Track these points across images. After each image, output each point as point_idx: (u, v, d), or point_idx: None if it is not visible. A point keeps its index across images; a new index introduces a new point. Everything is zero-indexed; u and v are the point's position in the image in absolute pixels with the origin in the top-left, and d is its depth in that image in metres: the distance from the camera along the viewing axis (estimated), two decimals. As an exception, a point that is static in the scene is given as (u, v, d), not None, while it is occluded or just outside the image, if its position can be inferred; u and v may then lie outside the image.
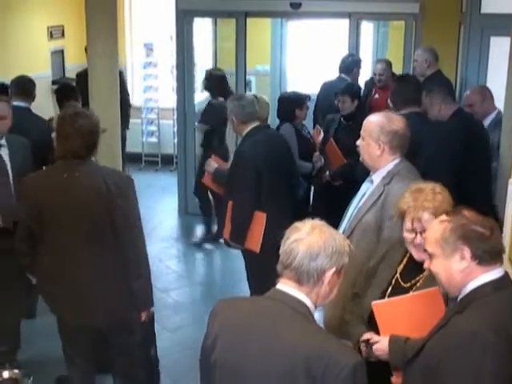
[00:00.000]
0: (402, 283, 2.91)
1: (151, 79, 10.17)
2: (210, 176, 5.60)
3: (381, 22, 9.11)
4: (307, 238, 2.16)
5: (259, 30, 9.45)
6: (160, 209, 8.35)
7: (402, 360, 2.52)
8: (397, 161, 3.48)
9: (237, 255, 5.44)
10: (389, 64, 7.13)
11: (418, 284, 2.86)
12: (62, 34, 9.70)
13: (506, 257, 2.51)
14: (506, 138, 4.94)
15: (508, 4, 6.14)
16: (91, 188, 3.47)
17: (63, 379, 4.26)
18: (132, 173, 7.93)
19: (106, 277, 3.56)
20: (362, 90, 6.74)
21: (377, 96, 7.06)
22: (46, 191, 3.51)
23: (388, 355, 2.73)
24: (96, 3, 5.25)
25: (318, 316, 2.38)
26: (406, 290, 2.88)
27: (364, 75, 7.67)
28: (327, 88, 7.04)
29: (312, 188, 6.12)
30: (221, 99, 7.00)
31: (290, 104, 5.90)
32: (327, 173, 5.82)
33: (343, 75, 7.08)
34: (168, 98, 9.85)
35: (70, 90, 6.27)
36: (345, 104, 5.86)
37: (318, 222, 2.24)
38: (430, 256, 2.35)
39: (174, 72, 8.36)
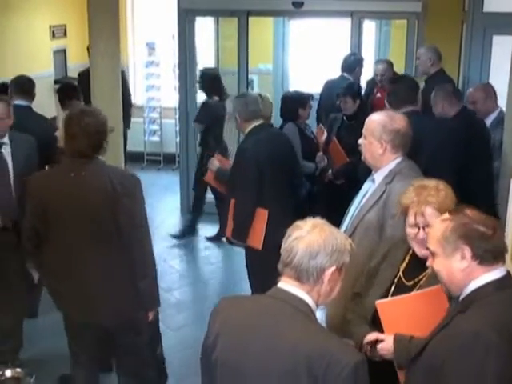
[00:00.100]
0: (405, 281, 2.91)
1: (153, 78, 10.17)
2: (212, 174, 5.61)
3: (383, 21, 9.09)
4: (307, 237, 2.16)
5: (261, 28, 9.44)
6: (162, 208, 8.35)
7: (407, 359, 2.52)
8: (399, 159, 3.48)
9: (239, 254, 5.44)
10: (390, 64, 7.12)
11: (422, 282, 2.86)
12: (64, 34, 9.72)
13: (508, 256, 2.50)
14: (509, 137, 4.94)
15: (510, 3, 6.14)
16: (97, 188, 3.46)
17: (65, 378, 4.28)
18: (134, 172, 7.93)
19: (112, 277, 3.55)
20: (363, 89, 6.74)
21: (379, 95, 7.05)
22: (52, 190, 3.50)
23: (393, 354, 2.73)
24: (98, 2, 5.26)
25: (320, 315, 2.38)
26: (410, 289, 2.88)
27: (366, 74, 7.66)
28: (329, 87, 7.03)
29: (314, 187, 6.12)
30: (216, 98, 7.01)
31: (293, 103, 5.89)
32: (330, 171, 5.82)
33: (345, 74, 7.07)
34: (170, 97, 9.87)
35: (72, 90, 6.27)
36: (347, 104, 5.84)
37: (319, 221, 2.24)
38: (432, 254, 2.35)
39: (176, 71, 8.37)
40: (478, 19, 6.78)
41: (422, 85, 5.81)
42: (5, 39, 8.28)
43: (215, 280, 6.65)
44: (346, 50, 7.52)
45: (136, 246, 3.52)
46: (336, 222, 2.77)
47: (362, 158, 3.61)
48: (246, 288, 5.14)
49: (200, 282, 6.54)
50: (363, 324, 2.96)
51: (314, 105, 6.62)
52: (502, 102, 5.25)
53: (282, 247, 2.21)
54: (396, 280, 2.95)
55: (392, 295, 2.91)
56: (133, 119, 9.24)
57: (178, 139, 9.07)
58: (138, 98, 10.31)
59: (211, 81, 7.17)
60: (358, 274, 3.12)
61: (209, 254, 7.12)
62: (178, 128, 9.02)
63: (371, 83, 7.46)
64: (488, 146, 5.08)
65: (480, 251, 2.23)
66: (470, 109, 5.35)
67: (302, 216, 2.31)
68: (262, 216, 4.62)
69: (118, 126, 5.39)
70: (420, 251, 2.82)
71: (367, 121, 3.57)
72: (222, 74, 7.48)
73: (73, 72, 9.37)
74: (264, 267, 3.93)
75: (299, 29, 10.18)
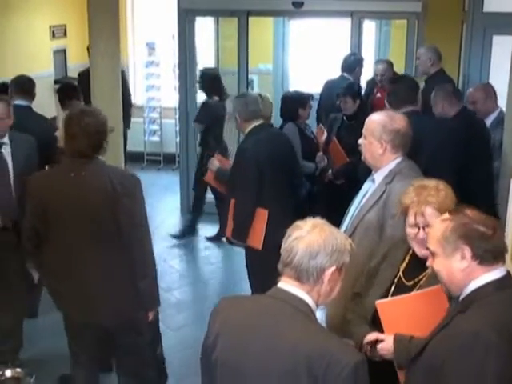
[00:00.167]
0: (405, 281, 2.91)
1: (153, 78, 10.17)
2: (212, 174, 5.61)
3: (383, 21, 9.09)
4: (307, 237, 2.16)
5: (261, 28, 9.44)
6: (162, 208, 8.35)
7: (407, 359, 2.52)
8: (399, 159, 3.48)
9: (239, 254, 5.44)
10: (390, 64, 7.12)
11: (422, 282, 2.86)
12: (64, 34, 9.72)
13: (508, 256, 2.50)
14: (509, 137, 4.94)
15: (510, 3, 6.14)
16: (97, 188, 3.46)
17: (65, 378, 4.28)
18: (134, 172, 7.93)
19: (113, 277, 3.55)
20: (363, 89, 6.73)
21: (379, 95, 7.05)
22: (52, 190, 3.50)
23: (393, 354, 2.73)
24: (98, 2, 5.26)
25: (320, 315, 2.38)
26: (410, 288, 2.88)
27: (366, 74, 7.66)
28: (329, 87, 7.03)
29: (314, 187, 6.12)
30: (216, 98, 7.01)
31: (293, 103, 5.89)
32: (330, 171, 5.82)
33: (345, 74, 7.07)
34: (170, 97, 9.86)
35: (72, 90, 6.27)
36: (347, 104, 5.84)
37: (319, 221, 2.24)
38: (432, 254, 2.35)
39: (176, 71, 8.37)
40: (477, 19, 6.79)
41: (422, 85, 5.81)
42: (5, 39, 8.28)
43: (215, 280, 6.65)
44: (346, 50, 7.52)
45: (136, 246, 3.52)
46: (336, 222, 2.77)
47: (362, 158, 3.61)
48: (246, 288, 5.14)
49: (200, 282, 6.54)
50: (363, 324, 2.95)
51: (314, 105, 6.62)
52: (502, 102, 5.25)
53: (282, 247, 2.21)
54: (396, 280, 2.95)
55: (392, 295, 2.91)
56: (133, 119, 9.24)
57: (177, 139, 9.07)
58: (138, 97, 10.31)
59: (211, 81, 7.17)
60: (358, 274, 3.12)
61: (209, 254, 7.12)
62: (178, 128, 9.02)
63: (371, 83, 7.46)
64: (488, 146, 5.08)
65: (480, 251, 2.22)
66: (469, 109, 5.35)
67: (302, 216, 2.31)
68: (261, 216, 4.62)
69: (118, 126, 5.39)
70: (420, 251, 2.82)
71: (367, 121, 3.57)
72: (222, 74, 7.48)
73: (73, 72, 9.37)
74: (264, 267, 3.93)
75: (299, 29, 10.18)
